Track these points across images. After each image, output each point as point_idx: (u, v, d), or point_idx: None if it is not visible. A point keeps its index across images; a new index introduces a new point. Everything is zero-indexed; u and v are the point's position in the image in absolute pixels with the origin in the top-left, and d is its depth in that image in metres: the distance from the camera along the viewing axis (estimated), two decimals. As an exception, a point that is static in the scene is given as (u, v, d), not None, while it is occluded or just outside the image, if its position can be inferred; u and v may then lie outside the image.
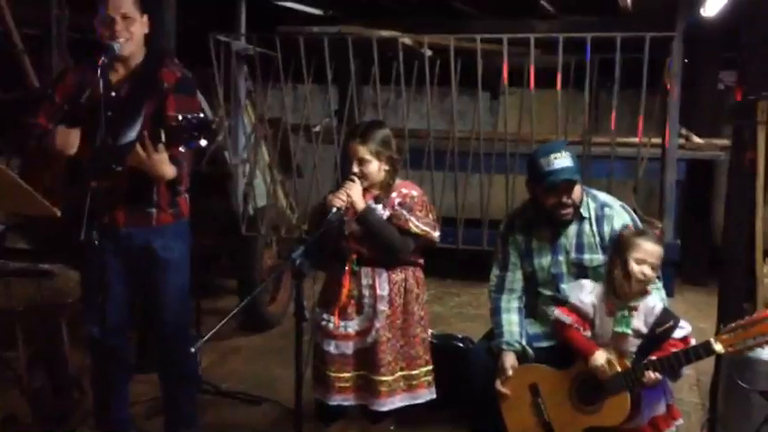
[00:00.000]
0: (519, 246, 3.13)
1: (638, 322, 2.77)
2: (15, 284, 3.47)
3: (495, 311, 3.13)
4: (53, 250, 3.71)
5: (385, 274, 3.01)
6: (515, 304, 3.12)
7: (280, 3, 6.29)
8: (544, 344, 3.09)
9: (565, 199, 2.97)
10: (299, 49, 4.81)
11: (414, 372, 3.05)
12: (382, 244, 2.95)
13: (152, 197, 3.01)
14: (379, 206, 2.99)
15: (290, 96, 5.20)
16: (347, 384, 3.03)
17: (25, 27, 4.62)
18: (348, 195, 2.87)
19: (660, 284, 2.93)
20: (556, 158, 2.94)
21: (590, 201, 3.07)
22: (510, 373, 2.98)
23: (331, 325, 3.01)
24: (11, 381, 3.44)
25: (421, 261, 3.12)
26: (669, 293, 3.06)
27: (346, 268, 3.01)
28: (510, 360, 3.00)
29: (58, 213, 2.64)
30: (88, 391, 3.46)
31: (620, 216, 3.03)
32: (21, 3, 4.58)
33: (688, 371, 3.72)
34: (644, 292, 2.80)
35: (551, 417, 2.91)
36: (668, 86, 4.54)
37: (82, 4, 3.54)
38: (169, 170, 2.87)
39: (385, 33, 5.29)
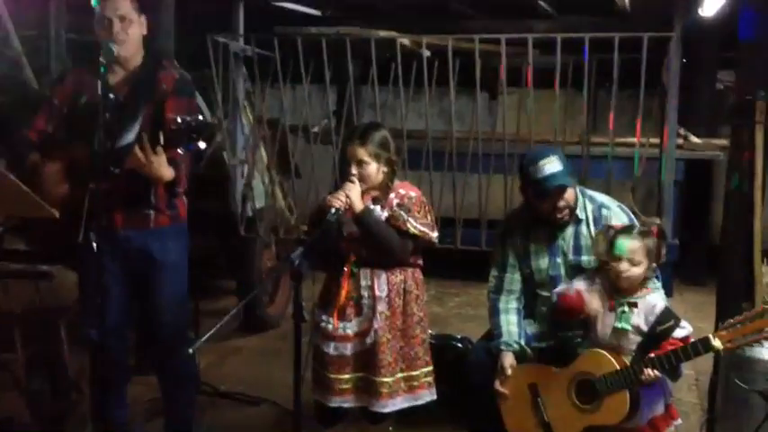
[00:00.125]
0: (517, 248, 3.13)
1: (639, 319, 2.77)
2: (13, 286, 3.46)
3: (494, 312, 3.13)
4: (51, 252, 3.71)
5: (384, 276, 3.01)
6: (514, 305, 3.12)
7: (278, 3, 6.29)
8: (543, 344, 3.09)
9: (558, 203, 2.97)
10: (298, 49, 4.81)
11: (414, 373, 3.05)
12: (381, 245, 2.95)
13: (150, 199, 3.01)
14: (378, 207, 2.99)
15: (288, 97, 5.20)
16: (347, 386, 3.03)
17: (24, 29, 4.62)
18: (347, 196, 2.87)
19: (659, 284, 2.93)
20: (545, 165, 2.94)
21: (587, 202, 3.08)
22: (509, 373, 2.98)
23: (330, 326, 3.01)
24: (9, 383, 3.43)
25: (420, 262, 3.12)
26: (668, 293, 3.06)
27: (345, 269, 3.01)
28: (509, 360, 3.00)
29: (57, 215, 2.64)
30: (86, 392, 3.46)
31: (617, 217, 3.03)
32: (19, 4, 4.58)
33: (687, 371, 3.73)
34: (641, 289, 2.80)
35: (551, 416, 2.91)
36: (666, 86, 4.55)
37: (80, 5, 3.54)
38: (167, 172, 2.87)
39: (383, 34, 5.29)
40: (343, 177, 3.06)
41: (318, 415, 3.15)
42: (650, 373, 2.66)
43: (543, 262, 3.09)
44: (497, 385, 3.00)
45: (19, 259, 3.72)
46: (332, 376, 3.02)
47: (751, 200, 3.57)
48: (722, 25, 5.53)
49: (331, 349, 3.02)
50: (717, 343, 2.60)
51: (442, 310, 5.96)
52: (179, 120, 2.72)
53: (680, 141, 5.93)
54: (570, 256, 3.04)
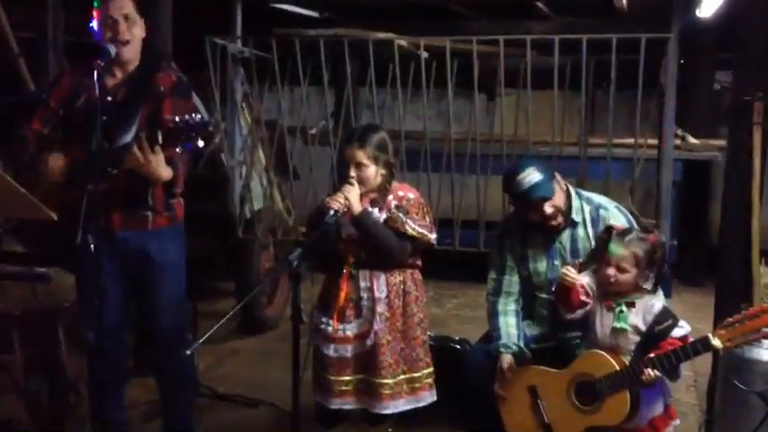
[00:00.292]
0: (514, 250, 3.13)
1: (636, 319, 2.77)
2: (11, 288, 3.46)
3: (493, 314, 3.13)
4: (49, 254, 3.70)
5: (383, 277, 3.01)
6: (512, 307, 3.12)
7: (276, 5, 6.29)
8: (542, 345, 3.09)
9: (546, 212, 2.97)
10: (296, 51, 4.81)
11: (416, 374, 3.05)
12: (379, 247, 2.95)
13: (147, 200, 3.01)
14: (376, 209, 2.99)
15: (286, 99, 5.19)
16: (347, 388, 3.03)
17: (21, 30, 4.61)
18: (345, 198, 2.87)
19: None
20: (524, 178, 2.94)
21: (584, 203, 3.07)
22: (508, 375, 2.98)
23: (330, 328, 3.01)
24: (7, 385, 3.43)
25: (418, 263, 3.12)
26: (666, 294, 3.06)
27: (344, 271, 3.01)
28: (508, 362, 2.99)
29: (55, 217, 2.63)
30: (85, 394, 3.45)
31: (615, 218, 3.03)
32: (16, 6, 4.58)
33: (686, 372, 3.73)
34: (634, 293, 2.80)
35: (551, 418, 2.91)
36: (664, 87, 4.55)
37: (77, 7, 3.54)
38: (165, 172, 2.87)
39: (381, 35, 5.29)
40: (341, 179, 3.06)
41: (319, 417, 3.15)
42: (650, 373, 2.66)
43: (541, 265, 3.09)
44: (497, 388, 3.00)
45: (16, 261, 3.71)
46: (332, 378, 3.02)
47: (749, 200, 3.57)
48: (720, 26, 5.54)
49: (331, 351, 3.01)
50: (716, 342, 2.60)
51: (440, 312, 5.96)
52: (177, 119, 2.72)
53: (678, 142, 5.93)
54: (569, 260, 3.04)
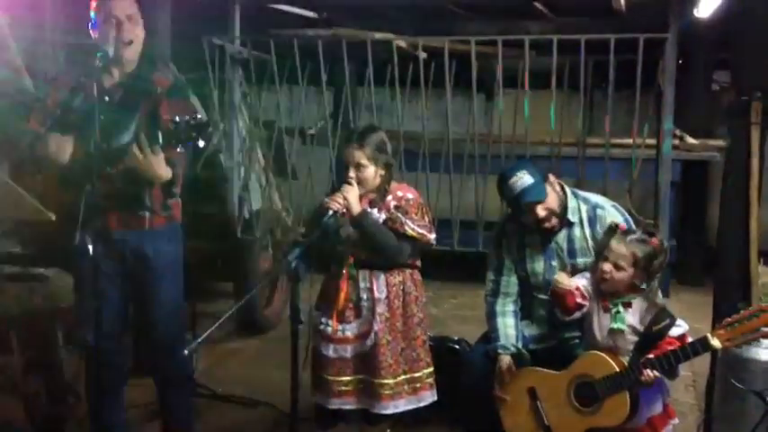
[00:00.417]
0: (512, 251, 3.13)
1: (633, 319, 2.77)
2: (9, 289, 3.45)
3: (491, 315, 3.13)
4: (47, 255, 3.70)
5: (383, 277, 3.01)
6: (511, 308, 3.12)
7: (274, 6, 6.28)
8: (541, 345, 3.09)
9: (539, 215, 2.97)
10: (294, 51, 4.80)
11: (416, 374, 3.05)
12: (378, 247, 2.95)
13: (145, 201, 3.00)
14: (375, 210, 2.99)
15: (284, 99, 5.19)
16: (347, 388, 3.03)
17: (20, 32, 4.60)
18: (345, 199, 2.87)
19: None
20: (515, 182, 2.96)
21: (581, 203, 3.07)
22: (507, 377, 2.98)
23: (329, 329, 3.01)
24: (6, 386, 3.42)
25: (418, 263, 3.12)
26: (665, 294, 3.07)
27: (344, 272, 3.01)
28: (506, 364, 2.99)
29: (53, 217, 2.63)
30: (83, 396, 3.45)
31: (612, 217, 3.03)
32: (16, 8, 4.56)
33: (684, 372, 3.73)
34: (629, 293, 2.80)
35: (551, 420, 2.90)
36: (662, 87, 4.55)
37: (76, 7, 3.53)
38: (165, 172, 2.87)
39: (379, 36, 5.28)
40: (340, 180, 3.06)
41: (319, 417, 3.15)
42: (650, 373, 2.66)
43: (538, 266, 3.09)
44: (496, 390, 3.00)
45: (14, 262, 3.71)
46: (331, 378, 3.02)
47: (747, 200, 3.57)
48: (717, 26, 5.54)
49: (330, 352, 3.01)
50: (715, 342, 2.60)
51: (439, 312, 5.96)
52: (177, 119, 2.72)
53: (676, 142, 5.93)
54: (566, 260, 3.04)
